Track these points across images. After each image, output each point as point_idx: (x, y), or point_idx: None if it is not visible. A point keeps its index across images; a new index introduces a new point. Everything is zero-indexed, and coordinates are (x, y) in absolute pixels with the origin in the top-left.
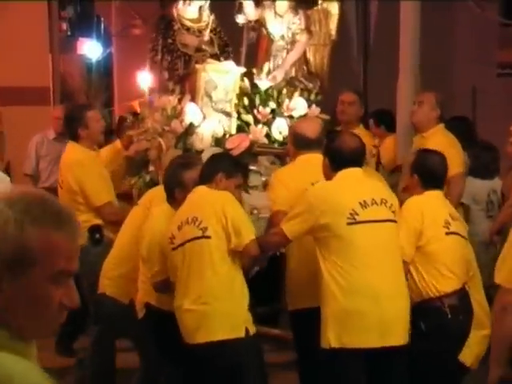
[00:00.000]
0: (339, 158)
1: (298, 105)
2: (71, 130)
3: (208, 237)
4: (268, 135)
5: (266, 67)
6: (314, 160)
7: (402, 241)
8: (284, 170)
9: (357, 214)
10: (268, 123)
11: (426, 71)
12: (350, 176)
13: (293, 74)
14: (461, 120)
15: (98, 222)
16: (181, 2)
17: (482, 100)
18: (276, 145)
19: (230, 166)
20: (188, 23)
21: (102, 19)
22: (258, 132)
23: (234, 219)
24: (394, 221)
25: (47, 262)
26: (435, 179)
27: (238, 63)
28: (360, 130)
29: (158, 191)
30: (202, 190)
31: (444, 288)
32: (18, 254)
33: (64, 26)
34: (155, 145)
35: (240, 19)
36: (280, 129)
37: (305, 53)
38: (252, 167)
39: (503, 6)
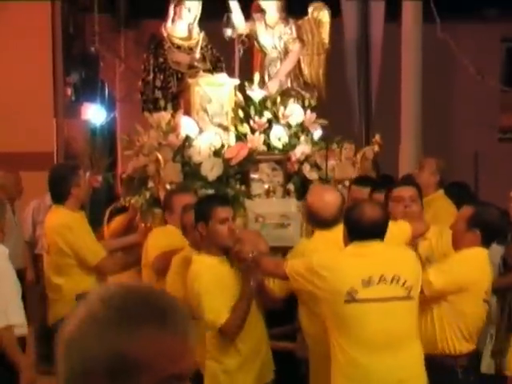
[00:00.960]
0: (356, 229)
1: (293, 112)
2: (62, 190)
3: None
4: (267, 143)
5: (256, 77)
6: (333, 237)
7: (439, 276)
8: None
9: (356, 292)
10: (265, 132)
11: (427, 136)
12: (361, 249)
13: (288, 84)
14: (460, 186)
15: (89, 286)
16: (169, 21)
17: (484, 165)
18: (276, 151)
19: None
20: (178, 41)
21: (107, 84)
22: (256, 140)
23: None
24: (407, 298)
25: (153, 369)
26: (497, 234)
27: (231, 76)
28: None
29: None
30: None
31: (461, 348)
32: (117, 362)
33: (69, 91)
34: (153, 159)
35: (228, 33)
36: (278, 135)
37: (299, 63)
38: (254, 175)
39: (503, 73)
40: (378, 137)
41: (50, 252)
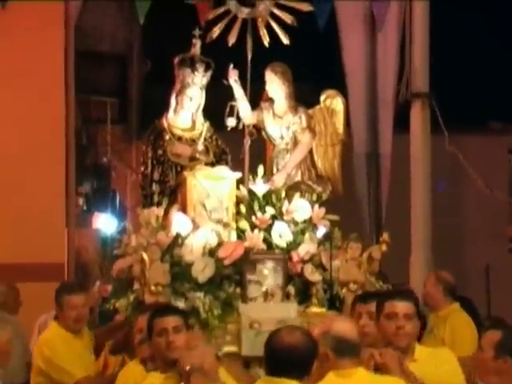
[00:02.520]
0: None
1: (299, 207)
2: (57, 305)
3: None
4: (268, 241)
5: (260, 171)
6: None
7: None
8: None
9: None
10: (268, 228)
11: (438, 247)
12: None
13: (298, 177)
14: (463, 301)
15: None
16: (171, 111)
17: (495, 277)
18: (277, 251)
19: None
20: (179, 132)
21: (118, 194)
22: (255, 238)
23: None
24: None
25: None
26: None
27: (239, 170)
28: None
29: None
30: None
31: None
32: None
33: (80, 200)
34: (138, 259)
35: (230, 122)
36: (280, 233)
37: (312, 155)
38: (250, 276)
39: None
40: (386, 235)
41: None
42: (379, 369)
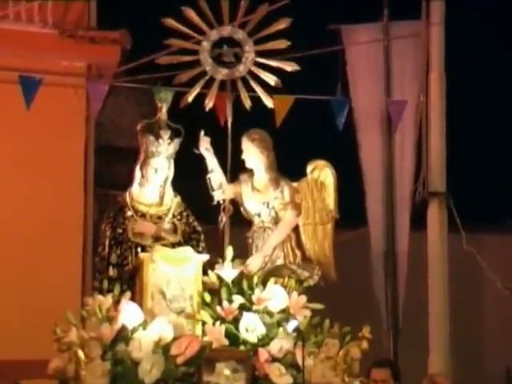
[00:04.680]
0: None
1: (273, 294)
2: None
3: None
4: (235, 335)
5: (229, 253)
6: None
7: None
8: None
9: None
10: (234, 320)
11: (456, 349)
12: None
13: (281, 260)
14: None
15: None
16: (135, 184)
17: None
18: (244, 347)
19: None
20: (143, 208)
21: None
22: (216, 331)
23: None
24: None
25: None
26: None
27: (216, 252)
28: None
29: None
30: None
31: None
32: None
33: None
34: (72, 358)
35: (217, 196)
36: (248, 325)
37: (298, 234)
38: (208, 378)
39: None
40: (366, 330)
41: None
42: None
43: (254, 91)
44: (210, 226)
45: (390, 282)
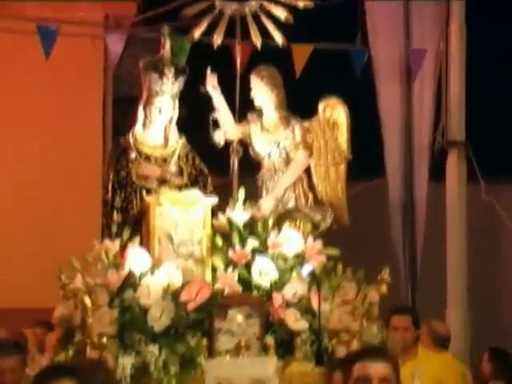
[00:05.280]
0: None
1: (288, 239)
2: None
3: None
4: (248, 281)
5: (240, 195)
6: None
7: None
8: None
9: None
10: (247, 265)
11: (474, 300)
12: None
13: (292, 203)
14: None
15: None
16: (139, 125)
17: None
18: (257, 292)
19: None
20: (148, 150)
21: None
22: (228, 277)
23: None
24: None
25: None
26: None
27: (225, 194)
28: None
29: None
30: None
31: None
32: None
33: None
34: (79, 305)
35: (218, 138)
36: (261, 269)
37: (310, 176)
38: (220, 324)
39: None
40: (385, 273)
41: None
42: None
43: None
44: (224, 178)
45: (408, 233)
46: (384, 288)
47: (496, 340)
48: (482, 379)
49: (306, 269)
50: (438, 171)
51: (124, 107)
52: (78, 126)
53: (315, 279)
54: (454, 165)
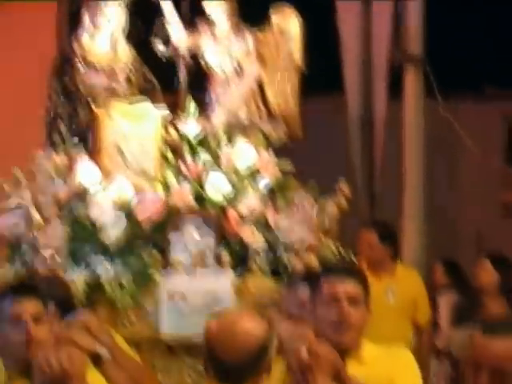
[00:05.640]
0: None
1: (241, 152)
2: None
3: None
4: (201, 196)
5: (192, 107)
6: None
7: None
8: None
9: None
10: (200, 179)
11: (430, 214)
12: None
13: (245, 116)
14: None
15: None
16: (84, 33)
17: (486, 243)
18: (211, 207)
19: None
20: (95, 59)
21: None
22: (183, 191)
23: None
24: None
25: None
26: None
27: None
28: None
29: None
30: None
31: None
32: None
33: None
34: (27, 217)
35: (160, 46)
36: (216, 185)
37: (262, 88)
38: (174, 239)
39: (505, 151)
40: (344, 185)
41: None
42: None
43: None
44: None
45: (367, 150)
46: (342, 200)
47: (451, 252)
48: (434, 290)
49: (262, 183)
50: (396, 88)
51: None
52: (27, 34)
53: (270, 194)
54: (412, 80)
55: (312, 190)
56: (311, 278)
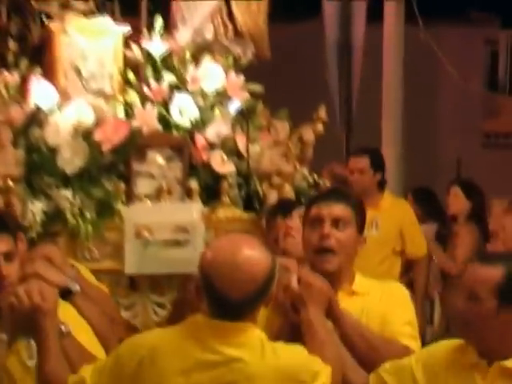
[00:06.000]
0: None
1: (208, 73)
2: None
3: None
4: (165, 119)
5: (158, 24)
6: None
7: None
8: None
9: None
10: (165, 102)
11: (409, 141)
12: None
13: (211, 34)
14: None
15: None
16: None
17: (467, 171)
18: (177, 133)
19: None
20: None
21: None
22: (147, 114)
23: None
24: None
25: None
26: None
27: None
28: None
29: None
30: None
31: None
32: None
33: None
34: None
35: None
36: (182, 108)
37: (229, 5)
38: (139, 167)
39: (487, 77)
40: (322, 111)
41: None
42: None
43: None
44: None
45: (344, 74)
46: (320, 127)
47: (430, 181)
48: None
49: (232, 107)
50: (376, 12)
51: None
52: None
53: (242, 117)
54: (392, 4)
55: (284, 115)
56: (285, 208)
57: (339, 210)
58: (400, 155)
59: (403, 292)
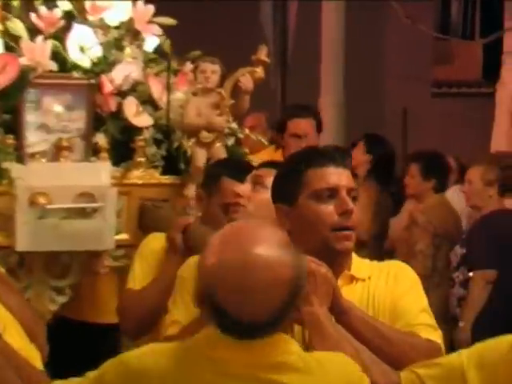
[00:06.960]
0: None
1: (112, 1)
2: None
3: None
4: (61, 57)
5: None
6: None
7: None
8: None
9: None
10: (59, 36)
11: (351, 89)
12: None
13: None
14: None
15: None
16: None
17: (414, 121)
18: (77, 74)
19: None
20: None
21: None
22: (38, 50)
23: None
24: None
25: None
26: None
27: None
28: None
29: None
30: None
31: None
32: None
33: None
34: None
35: None
36: (82, 43)
37: None
38: (31, 117)
39: (438, 19)
40: (262, 52)
41: None
42: None
43: None
44: None
45: (279, 13)
46: (261, 72)
47: (375, 130)
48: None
49: (151, 43)
50: None
51: None
52: None
53: (160, 57)
54: None
55: (194, 55)
56: (236, 170)
57: (351, 179)
58: (340, 103)
59: (410, 273)
